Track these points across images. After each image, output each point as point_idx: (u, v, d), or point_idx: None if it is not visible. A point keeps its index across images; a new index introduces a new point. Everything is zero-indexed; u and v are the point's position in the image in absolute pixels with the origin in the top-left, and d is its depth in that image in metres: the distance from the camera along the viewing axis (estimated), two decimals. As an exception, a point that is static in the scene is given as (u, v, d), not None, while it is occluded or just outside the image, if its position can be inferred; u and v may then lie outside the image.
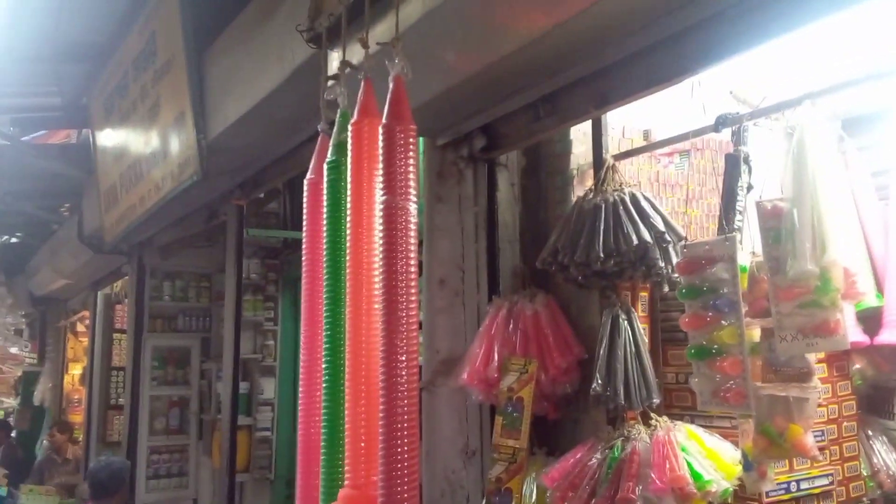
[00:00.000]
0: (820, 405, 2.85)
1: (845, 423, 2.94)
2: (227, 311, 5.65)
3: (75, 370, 11.79)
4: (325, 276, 2.25)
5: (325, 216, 2.28)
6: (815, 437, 2.76)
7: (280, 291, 7.41)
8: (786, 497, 2.71)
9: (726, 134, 2.75)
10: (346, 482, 2.09)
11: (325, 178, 2.30)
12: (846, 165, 2.98)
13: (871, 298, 2.80)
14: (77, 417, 10.90)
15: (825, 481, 2.80)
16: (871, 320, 2.84)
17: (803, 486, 2.74)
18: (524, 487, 2.87)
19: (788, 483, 2.71)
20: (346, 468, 2.09)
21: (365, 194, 2.16)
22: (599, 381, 2.72)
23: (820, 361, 2.88)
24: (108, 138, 6.27)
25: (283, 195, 7.30)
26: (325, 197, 2.30)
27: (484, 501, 2.90)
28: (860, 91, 2.84)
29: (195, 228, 6.36)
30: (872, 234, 2.94)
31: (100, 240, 7.09)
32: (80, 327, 11.56)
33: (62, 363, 12.02)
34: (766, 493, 2.65)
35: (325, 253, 2.27)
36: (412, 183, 2.03)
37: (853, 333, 2.79)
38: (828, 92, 2.51)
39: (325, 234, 2.28)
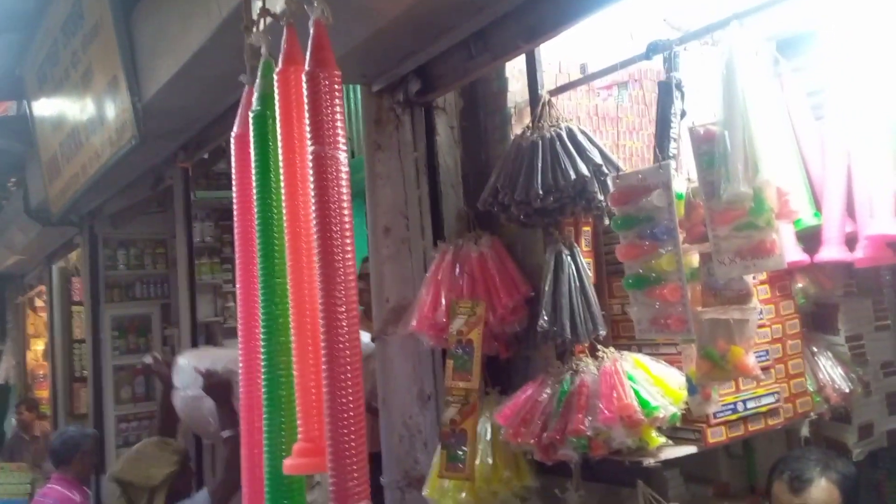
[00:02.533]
0: (764, 325, 2.90)
1: (790, 342, 2.98)
2: (180, 276, 5.59)
3: (37, 346, 11.65)
4: (257, 230, 2.20)
5: (253, 170, 2.23)
6: (760, 356, 2.81)
7: (237, 252, 7.32)
8: (733, 417, 2.74)
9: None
10: (299, 436, 2.08)
11: (251, 131, 2.25)
12: (782, 87, 2.98)
13: (808, 217, 2.83)
14: (43, 393, 10.80)
15: (771, 399, 2.83)
16: (811, 239, 2.86)
17: (749, 405, 2.77)
18: (479, 427, 2.90)
19: (735, 403, 2.74)
20: (299, 423, 2.08)
21: (297, 146, 2.10)
22: (546, 318, 2.73)
23: (762, 282, 2.91)
24: (45, 108, 6.11)
25: (228, 155, 7.17)
26: (252, 150, 2.25)
27: (439, 444, 2.92)
28: (795, 11, 2.82)
29: (143, 194, 6.25)
30: (810, 155, 2.95)
31: (47, 212, 6.97)
32: (39, 302, 11.39)
33: (23, 340, 11.88)
34: (714, 414, 2.68)
35: (255, 208, 2.22)
36: (340, 131, 1.98)
37: (794, 253, 2.82)
38: (756, 11, 2.48)
39: (254, 189, 2.23)
